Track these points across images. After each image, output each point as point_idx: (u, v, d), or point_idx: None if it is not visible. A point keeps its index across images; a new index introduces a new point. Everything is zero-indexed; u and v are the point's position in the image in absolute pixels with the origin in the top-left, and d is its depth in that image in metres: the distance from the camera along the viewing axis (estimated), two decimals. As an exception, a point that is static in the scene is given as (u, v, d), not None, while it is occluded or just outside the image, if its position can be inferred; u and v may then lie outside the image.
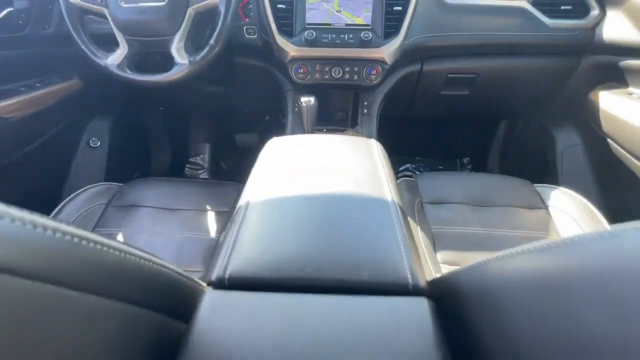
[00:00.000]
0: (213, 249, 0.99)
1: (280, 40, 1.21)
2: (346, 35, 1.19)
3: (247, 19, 1.29)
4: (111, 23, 0.97)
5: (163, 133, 1.92)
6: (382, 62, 1.21)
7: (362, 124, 1.30)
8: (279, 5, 1.19)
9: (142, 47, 1.02)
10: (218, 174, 2.16)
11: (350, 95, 1.46)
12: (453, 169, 2.14)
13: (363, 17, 1.21)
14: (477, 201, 1.12)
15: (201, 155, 2.17)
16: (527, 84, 1.41)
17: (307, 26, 1.22)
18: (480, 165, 2.03)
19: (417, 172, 2.16)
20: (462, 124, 2.04)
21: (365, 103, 1.32)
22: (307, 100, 1.11)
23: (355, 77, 1.24)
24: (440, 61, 1.34)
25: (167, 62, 1.01)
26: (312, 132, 1.14)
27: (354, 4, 1.19)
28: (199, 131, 2.16)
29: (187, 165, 2.13)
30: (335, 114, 1.53)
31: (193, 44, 1.04)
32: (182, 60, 0.99)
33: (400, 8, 1.18)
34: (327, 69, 1.23)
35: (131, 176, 1.70)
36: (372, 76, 1.22)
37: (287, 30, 1.21)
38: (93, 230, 1.03)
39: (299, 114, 1.30)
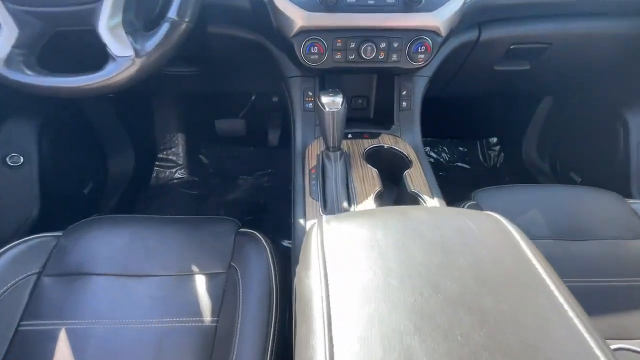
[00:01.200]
0: (211, 346, 0.66)
1: (282, 2, 0.77)
2: (382, -8, 0.77)
3: None
4: None
5: (118, 127, 1.46)
6: (434, 33, 0.82)
7: (401, 124, 0.93)
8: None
9: (45, 26, 0.57)
10: (198, 170, 1.75)
11: (373, 77, 1.07)
12: (473, 151, 1.84)
13: (407, -40, 0.78)
14: (566, 232, 0.82)
15: (173, 149, 1.74)
16: (608, 54, 1.06)
17: (319, -23, 0.78)
18: (511, 149, 1.73)
19: (441, 159, 1.84)
20: (490, 98, 1.70)
21: (404, 92, 0.94)
22: (332, 102, 0.73)
23: (395, 57, 0.84)
24: (504, 26, 0.95)
25: (99, 53, 0.58)
26: (335, 148, 0.77)
27: (393, -62, 0.76)
28: (167, 119, 1.70)
29: (157, 164, 1.70)
30: (352, 101, 1.14)
31: (139, 18, 0.60)
32: (121, 49, 0.56)
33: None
34: (352, 45, 0.82)
35: (79, 200, 1.27)
36: (420, 55, 0.83)
37: (290, -16, 0.77)
38: (18, 326, 0.67)
39: (316, 115, 0.91)
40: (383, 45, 0.83)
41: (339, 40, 0.82)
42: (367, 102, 1.14)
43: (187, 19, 0.58)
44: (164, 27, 0.56)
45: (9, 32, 0.55)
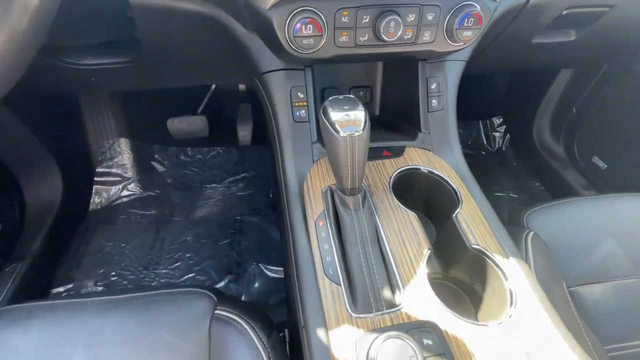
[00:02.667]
0: None
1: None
2: None
3: None
4: None
5: (33, 143, 1.07)
6: (486, -3, 0.54)
7: (431, 132, 0.66)
8: None
9: None
10: (153, 182, 1.40)
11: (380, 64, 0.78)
12: (474, 133, 1.62)
13: None
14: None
15: (116, 159, 1.37)
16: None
17: None
18: (519, 130, 1.52)
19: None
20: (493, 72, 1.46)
21: (433, 86, 0.66)
22: (348, 120, 0.44)
23: (427, 35, 0.55)
24: (560, -17, 0.69)
25: None
26: (355, 190, 0.49)
27: None
28: (102, 122, 1.31)
29: (96, 181, 1.32)
30: (350, 94, 0.85)
31: None
32: None
33: None
34: (366, 19, 0.52)
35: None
36: (466, 32, 0.55)
37: None
38: None
39: (311, 128, 0.61)
40: (411, 17, 0.53)
41: (344, 13, 0.51)
42: (371, 95, 0.85)
43: None
44: None
45: None
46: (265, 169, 1.48)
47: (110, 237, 1.22)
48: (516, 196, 1.40)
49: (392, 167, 0.60)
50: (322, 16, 0.51)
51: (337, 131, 0.44)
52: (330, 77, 0.82)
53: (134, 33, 0.67)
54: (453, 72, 0.67)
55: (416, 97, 0.66)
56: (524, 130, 1.48)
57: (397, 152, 0.64)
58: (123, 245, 1.20)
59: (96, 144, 1.31)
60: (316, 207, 0.54)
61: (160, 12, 0.61)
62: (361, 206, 0.49)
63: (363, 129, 0.44)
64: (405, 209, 0.54)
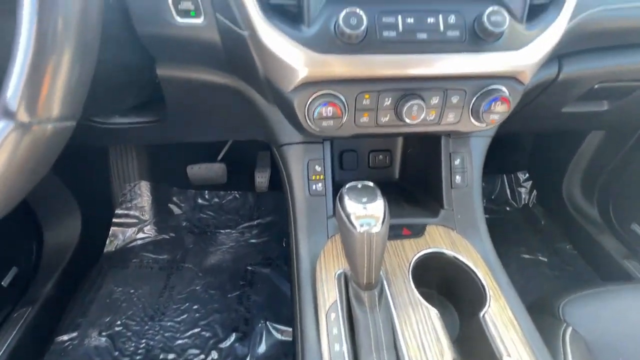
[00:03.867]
0: None
1: (271, 36, 0.46)
2: (439, 18, 0.47)
3: None
4: None
5: (57, 184, 1.10)
6: (515, 80, 0.52)
7: (454, 209, 0.62)
8: None
9: None
10: (168, 225, 1.40)
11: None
12: (497, 187, 1.55)
13: (474, -34, 0.48)
14: None
15: (135, 201, 1.39)
16: None
17: (335, -6, 0.47)
18: (547, 187, 1.45)
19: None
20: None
21: (457, 162, 0.63)
22: (367, 214, 0.41)
23: (452, 117, 0.53)
24: (594, 58, 0.66)
25: None
26: (371, 285, 0.45)
27: None
28: (126, 165, 1.35)
29: (114, 222, 1.34)
30: (369, 157, 0.83)
31: None
32: None
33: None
34: (388, 102, 0.51)
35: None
36: (494, 115, 0.52)
37: (284, 9, 0.46)
38: None
39: (327, 202, 0.59)
40: (435, 100, 0.52)
41: (366, 96, 0.51)
42: (391, 158, 0.83)
43: (53, 114, 0.25)
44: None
45: None
46: (280, 216, 1.46)
47: (120, 282, 1.20)
48: (545, 260, 1.30)
49: (412, 250, 0.56)
50: (343, 99, 0.50)
51: (353, 226, 0.41)
52: (349, 141, 0.81)
53: (161, 95, 0.69)
54: (478, 148, 0.64)
55: (439, 172, 0.64)
56: (553, 188, 1.41)
57: (418, 231, 0.60)
58: (132, 291, 1.18)
59: (118, 186, 1.34)
60: (328, 295, 0.50)
61: (186, 82, 0.63)
62: (377, 303, 0.45)
63: (382, 225, 0.41)
64: (426, 304, 0.49)
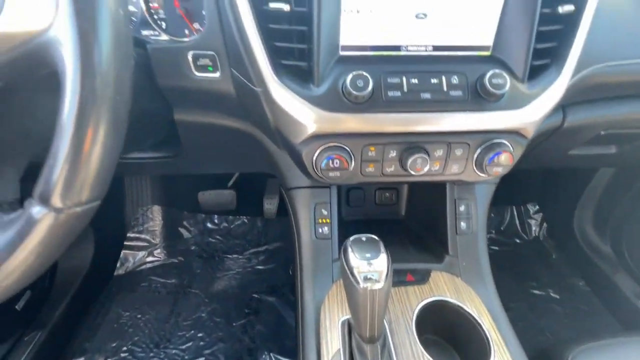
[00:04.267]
0: None
1: (282, 94, 0.49)
2: (442, 79, 0.49)
3: (195, 29, 0.56)
4: None
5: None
6: (518, 134, 0.53)
7: (459, 256, 0.63)
8: (273, 5, 0.46)
9: None
10: (177, 248, 1.43)
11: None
12: (507, 219, 1.54)
13: (476, 29, 0.51)
14: None
15: (147, 225, 1.42)
16: None
17: (342, 54, 0.50)
18: (557, 221, 1.43)
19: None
20: None
21: (462, 208, 0.64)
22: (370, 269, 0.42)
23: (456, 168, 0.55)
24: (598, 107, 0.67)
25: None
26: (374, 338, 0.46)
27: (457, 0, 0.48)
28: (140, 190, 1.40)
29: (125, 245, 1.37)
30: (376, 195, 0.84)
31: (2, 181, 0.31)
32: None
33: (571, 8, 0.49)
34: (393, 154, 0.53)
35: (6, 319, 0.95)
36: (497, 168, 0.54)
37: (296, 69, 0.49)
38: None
39: (332, 247, 0.61)
40: (439, 153, 0.54)
41: (372, 148, 0.53)
42: (397, 196, 0.84)
43: (83, 199, 0.28)
44: (32, 221, 0.26)
45: None
46: (287, 243, 1.47)
47: (128, 306, 1.22)
48: (557, 297, 1.27)
49: (416, 299, 0.56)
50: (350, 151, 0.52)
51: (357, 281, 0.42)
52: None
53: (176, 132, 0.73)
54: (483, 194, 0.65)
55: (444, 217, 0.65)
56: (564, 222, 1.39)
57: (422, 277, 0.60)
58: (139, 316, 1.19)
59: (131, 210, 1.38)
60: (332, 344, 0.50)
61: (201, 125, 0.66)
62: (380, 357, 0.45)
63: (385, 281, 0.42)
64: (429, 358, 0.49)
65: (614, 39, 0.56)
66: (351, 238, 0.46)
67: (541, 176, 1.49)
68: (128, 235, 1.38)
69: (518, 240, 1.50)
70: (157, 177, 1.39)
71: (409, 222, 0.81)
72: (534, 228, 1.51)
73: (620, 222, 1.23)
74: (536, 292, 1.28)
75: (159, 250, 1.41)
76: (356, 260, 0.43)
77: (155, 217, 1.43)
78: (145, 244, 1.40)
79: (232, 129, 0.66)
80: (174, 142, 0.78)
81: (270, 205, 1.42)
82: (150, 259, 1.38)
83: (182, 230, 1.48)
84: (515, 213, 1.55)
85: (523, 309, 1.22)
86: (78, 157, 0.25)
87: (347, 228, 0.71)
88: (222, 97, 0.58)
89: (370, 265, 0.43)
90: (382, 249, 0.45)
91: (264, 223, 1.51)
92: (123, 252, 1.35)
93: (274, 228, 1.49)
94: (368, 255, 0.44)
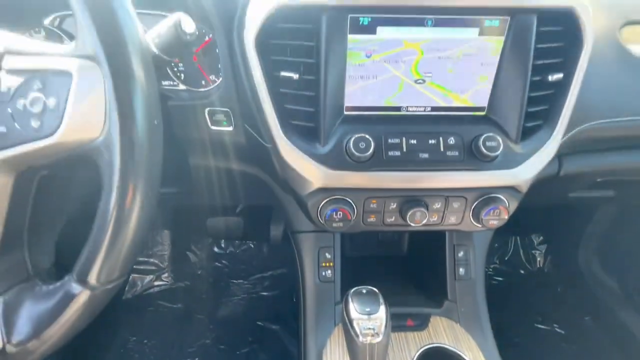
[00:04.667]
0: None
1: (290, 152, 0.52)
2: (440, 140, 0.52)
3: (211, 80, 0.61)
4: None
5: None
6: (513, 189, 0.56)
7: (458, 301, 0.64)
8: (284, 74, 0.50)
9: None
10: (184, 273, 1.46)
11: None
12: (511, 249, 1.54)
13: (471, 93, 0.54)
14: None
15: (156, 249, 1.46)
16: None
17: (347, 114, 0.54)
18: (562, 253, 1.43)
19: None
20: None
21: (461, 254, 0.66)
22: (369, 322, 0.45)
23: (453, 219, 0.58)
24: (593, 157, 0.70)
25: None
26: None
27: (455, 65, 0.52)
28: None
29: (135, 269, 1.41)
30: (379, 234, 0.87)
31: (38, 255, 0.34)
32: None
33: (560, 76, 0.52)
34: (393, 206, 0.56)
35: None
36: (492, 220, 0.56)
37: (303, 128, 0.53)
38: None
39: (335, 290, 0.63)
40: (437, 205, 0.57)
41: (373, 201, 0.56)
42: (400, 235, 0.87)
43: (113, 278, 0.32)
44: (70, 296, 0.30)
45: None
46: (292, 269, 1.49)
47: (135, 331, 1.24)
48: (563, 332, 1.25)
49: (415, 345, 0.58)
50: (352, 204, 0.55)
51: (356, 334, 0.45)
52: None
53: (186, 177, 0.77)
54: (482, 241, 0.68)
55: (443, 262, 0.67)
56: (569, 254, 1.38)
57: (422, 323, 0.62)
58: (145, 341, 1.22)
59: (142, 235, 1.42)
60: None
61: (214, 168, 0.71)
62: (379, 407, 0.47)
63: (383, 334, 0.44)
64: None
65: (604, 99, 0.60)
66: (352, 290, 0.49)
67: (545, 207, 1.49)
68: (138, 259, 1.42)
69: (522, 272, 1.50)
70: (167, 204, 1.43)
71: (411, 261, 0.83)
72: (538, 259, 1.51)
73: (626, 258, 1.23)
74: (541, 327, 1.27)
75: (166, 274, 1.44)
76: (356, 313, 0.46)
77: (165, 241, 1.46)
78: (154, 267, 1.43)
79: (242, 172, 0.70)
80: (186, 178, 0.82)
81: (276, 232, 1.45)
82: (157, 282, 1.41)
83: (189, 254, 1.51)
84: (519, 243, 1.55)
85: (528, 345, 1.21)
86: (114, 246, 0.29)
87: (350, 266, 0.74)
88: (235, 147, 0.62)
89: (370, 319, 0.45)
90: (381, 301, 0.48)
91: (269, 249, 1.53)
92: (132, 275, 1.39)
93: (280, 254, 1.51)
94: (368, 309, 0.46)
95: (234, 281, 1.46)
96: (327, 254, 0.65)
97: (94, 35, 0.26)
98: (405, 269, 0.81)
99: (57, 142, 0.27)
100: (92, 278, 0.30)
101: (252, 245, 1.55)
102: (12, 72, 0.27)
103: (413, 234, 0.83)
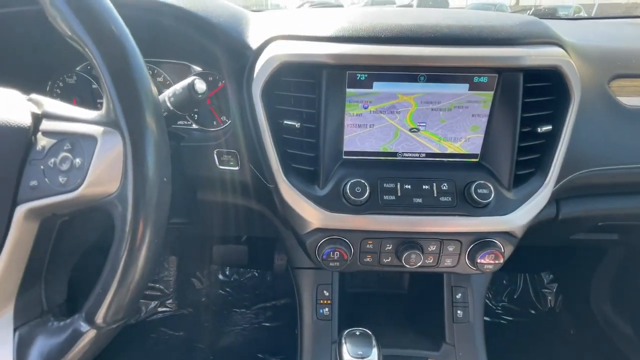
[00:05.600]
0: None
1: (291, 193, 0.56)
2: (433, 186, 0.55)
3: (222, 121, 0.66)
4: None
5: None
6: (508, 234, 0.57)
7: (456, 345, 0.64)
8: (287, 122, 0.54)
9: None
10: (188, 299, 1.47)
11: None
12: (520, 287, 1.50)
13: (464, 141, 0.57)
14: None
15: (162, 275, 1.48)
16: None
17: (345, 158, 0.57)
18: (574, 293, 1.39)
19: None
20: None
21: (459, 296, 0.67)
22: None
23: (449, 262, 0.59)
24: (593, 201, 0.71)
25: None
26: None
27: (447, 116, 0.55)
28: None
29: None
30: (379, 273, 0.88)
31: (55, 287, 0.38)
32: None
33: (549, 128, 0.55)
34: (389, 247, 0.58)
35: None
36: (488, 265, 0.57)
37: (303, 171, 0.57)
38: None
39: (333, 328, 0.64)
40: (432, 248, 0.58)
41: (369, 242, 0.58)
42: (400, 272, 0.87)
43: (119, 319, 0.35)
44: (78, 334, 0.33)
45: None
46: (294, 300, 1.48)
47: (137, 358, 1.24)
48: (576, 379, 1.19)
49: (411, 390, 0.58)
50: (349, 244, 0.57)
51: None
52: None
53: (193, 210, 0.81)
54: (480, 283, 0.68)
55: (441, 304, 0.67)
56: (580, 296, 1.34)
57: (418, 365, 0.62)
58: (145, 371, 1.21)
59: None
60: None
61: (220, 204, 0.74)
62: None
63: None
64: None
65: (597, 148, 0.61)
66: (345, 332, 0.50)
67: (555, 247, 1.47)
68: (144, 284, 1.44)
69: (533, 311, 1.45)
70: (174, 231, 1.47)
71: (411, 299, 0.83)
72: (549, 298, 1.46)
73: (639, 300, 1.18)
74: (553, 372, 1.22)
75: (170, 301, 1.45)
76: (349, 356, 0.47)
77: (170, 267, 1.49)
78: (159, 293, 1.45)
79: (247, 207, 0.73)
80: (194, 211, 0.86)
81: (280, 261, 1.46)
82: (161, 309, 1.42)
83: (194, 280, 1.52)
84: (529, 281, 1.51)
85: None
86: (121, 289, 0.32)
87: (349, 302, 0.74)
88: (241, 185, 0.66)
89: (362, 362, 0.46)
90: (374, 343, 0.49)
91: (273, 278, 1.53)
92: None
93: (283, 283, 1.51)
94: (360, 352, 0.47)
95: (237, 310, 1.46)
96: (325, 292, 0.66)
97: (118, 109, 0.31)
98: (405, 307, 0.81)
99: (79, 195, 0.31)
100: (99, 318, 0.33)
101: (256, 274, 1.56)
102: (47, 133, 0.32)
103: (413, 272, 0.83)
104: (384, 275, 0.87)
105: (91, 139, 0.31)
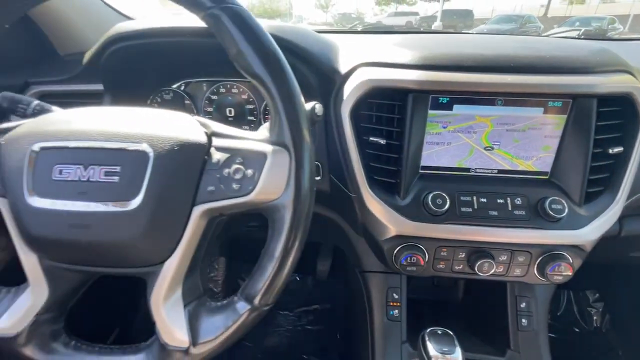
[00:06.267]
0: None
1: (373, 202, 0.62)
2: (507, 200, 0.60)
3: None
4: (14, 237, 0.41)
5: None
6: (577, 248, 0.61)
7: (521, 352, 0.67)
8: (372, 139, 0.61)
9: (85, 278, 0.45)
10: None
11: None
12: (563, 301, 1.48)
13: (535, 159, 0.62)
14: None
15: (211, 274, 1.57)
16: None
17: (422, 172, 0.63)
18: (621, 313, 1.36)
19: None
20: None
21: (523, 305, 0.70)
22: (446, 361, 0.50)
23: (518, 271, 0.63)
24: (654, 220, 0.73)
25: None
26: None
27: (521, 136, 0.60)
28: (211, 242, 1.57)
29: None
30: (434, 279, 0.92)
31: (206, 275, 0.46)
32: (172, 335, 0.39)
33: (620, 149, 0.59)
34: (462, 255, 0.63)
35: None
36: (557, 276, 0.61)
37: (385, 183, 0.63)
38: None
39: (402, 329, 0.69)
40: (503, 258, 0.62)
41: (444, 249, 0.63)
42: (455, 280, 0.91)
43: (269, 302, 0.42)
44: (238, 312, 0.40)
45: (35, 296, 0.42)
46: (337, 304, 1.53)
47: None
48: (627, 401, 1.17)
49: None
50: (425, 251, 0.63)
51: (434, 372, 0.50)
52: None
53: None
54: (544, 294, 0.71)
55: (504, 311, 0.70)
56: (629, 315, 1.31)
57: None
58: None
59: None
60: None
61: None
62: None
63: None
64: None
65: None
66: (427, 330, 0.55)
67: (602, 264, 1.44)
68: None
69: (577, 330, 1.43)
70: (225, 233, 1.57)
71: (466, 307, 0.87)
72: (594, 317, 1.43)
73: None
74: (602, 392, 1.20)
75: (222, 295, 1.53)
76: (434, 352, 0.52)
77: (220, 268, 1.58)
78: (209, 292, 1.54)
79: (319, 215, 0.80)
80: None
81: (323, 267, 1.52)
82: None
83: (240, 282, 1.60)
84: (572, 299, 1.49)
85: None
86: (279, 274, 0.39)
87: (410, 308, 0.79)
88: (320, 193, 0.72)
89: (446, 358, 0.51)
90: (457, 343, 0.53)
91: (314, 283, 1.59)
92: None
93: (325, 289, 1.57)
94: (445, 349, 0.52)
95: (280, 312, 1.52)
96: (394, 295, 0.71)
97: (287, 134, 0.39)
98: (460, 314, 0.85)
99: (250, 200, 0.39)
100: (257, 300, 0.40)
101: (298, 278, 1.62)
102: (220, 149, 0.40)
103: (469, 282, 0.87)
104: (440, 283, 0.91)
105: (261, 154, 0.39)
